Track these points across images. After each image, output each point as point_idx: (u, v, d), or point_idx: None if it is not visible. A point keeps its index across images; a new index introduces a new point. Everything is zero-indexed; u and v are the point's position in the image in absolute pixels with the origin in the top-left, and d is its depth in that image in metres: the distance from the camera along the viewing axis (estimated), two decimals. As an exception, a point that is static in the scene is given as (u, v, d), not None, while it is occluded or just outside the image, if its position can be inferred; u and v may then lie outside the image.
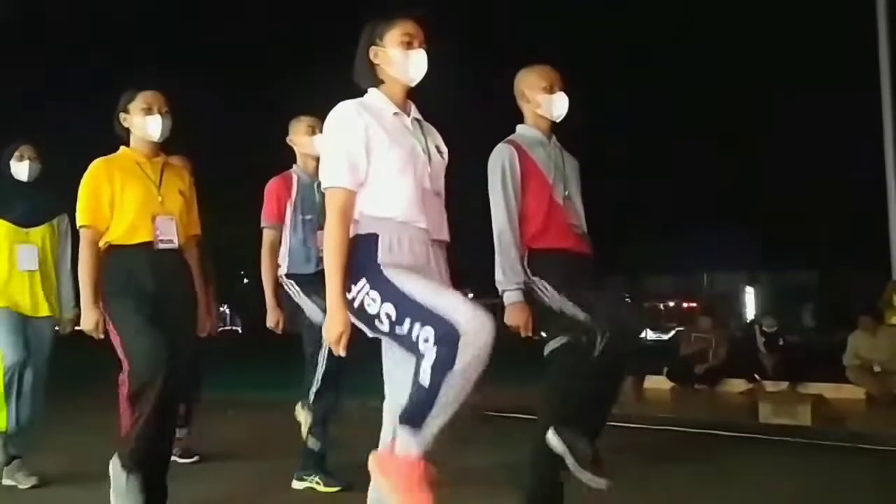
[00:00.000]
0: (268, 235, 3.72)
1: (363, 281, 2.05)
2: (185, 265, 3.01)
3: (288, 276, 3.67)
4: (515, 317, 2.71)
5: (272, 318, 3.71)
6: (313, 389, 3.56)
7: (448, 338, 1.90)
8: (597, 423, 2.78)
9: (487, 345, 1.90)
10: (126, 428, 2.79)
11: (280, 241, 3.70)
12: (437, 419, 1.93)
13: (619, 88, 19.89)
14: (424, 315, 1.94)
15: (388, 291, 2.01)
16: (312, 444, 3.60)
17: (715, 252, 22.77)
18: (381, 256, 2.07)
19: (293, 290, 3.65)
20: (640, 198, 21.72)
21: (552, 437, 2.66)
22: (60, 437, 4.75)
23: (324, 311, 3.50)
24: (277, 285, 3.70)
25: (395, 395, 2.13)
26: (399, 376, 2.12)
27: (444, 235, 2.21)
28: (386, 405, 2.18)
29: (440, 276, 2.17)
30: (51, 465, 3.97)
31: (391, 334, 2.03)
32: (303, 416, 3.60)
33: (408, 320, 1.97)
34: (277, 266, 3.71)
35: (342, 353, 2.08)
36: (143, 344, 2.74)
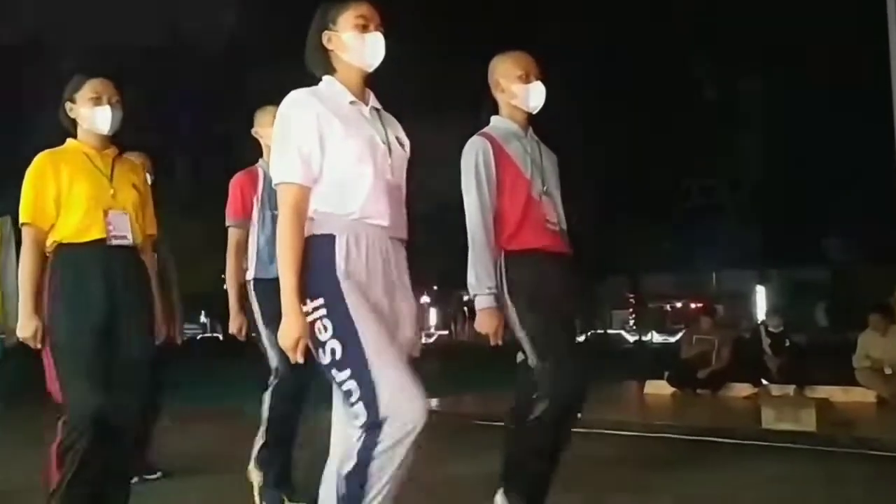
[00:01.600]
0: (233, 234, 3.69)
1: (320, 301, 2.04)
2: (141, 265, 2.97)
3: (255, 281, 3.64)
4: (486, 323, 2.70)
5: (235, 324, 3.67)
6: (258, 444, 3.53)
7: (374, 430, 1.97)
8: (542, 484, 2.82)
9: (412, 438, 1.98)
10: (54, 484, 2.73)
11: (246, 240, 3.68)
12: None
13: (620, 82, 19.90)
14: (365, 381, 1.99)
15: (342, 329, 2.02)
16: None
17: (724, 249, 22.79)
18: (339, 263, 2.04)
19: (255, 309, 3.61)
20: (645, 193, 21.74)
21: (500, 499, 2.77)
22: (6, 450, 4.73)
23: (274, 346, 3.49)
24: (242, 288, 3.67)
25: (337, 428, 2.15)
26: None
27: (403, 233, 2.19)
28: (333, 434, 2.17)
29: (398, 277, 2.15)
30: None
31: (329, 372, 2.05)
32: (254, 476, 3.55)
33: (348, 371, 2.01)
34: (244, 268, 3.68)
35: (300, 359, 2.05)
36: (81, 388, 2.69)
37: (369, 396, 1.97)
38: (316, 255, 2.06)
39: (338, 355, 2.02)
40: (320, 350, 2.05)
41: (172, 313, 4.06)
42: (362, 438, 1.98)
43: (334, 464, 2.07)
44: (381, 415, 1.95)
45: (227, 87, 18.42)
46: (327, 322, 2.03)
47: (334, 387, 2.10)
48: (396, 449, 1.96)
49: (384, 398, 1.95)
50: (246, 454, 3.56)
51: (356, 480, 1.98)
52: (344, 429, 2.10)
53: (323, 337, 2.04)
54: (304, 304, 2.04)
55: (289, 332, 2.02)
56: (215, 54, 19.86)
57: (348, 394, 2.01)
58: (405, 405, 1.96)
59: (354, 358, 2.00)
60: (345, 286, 2.03)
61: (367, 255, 2.08)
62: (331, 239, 2.07)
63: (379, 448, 1.95)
